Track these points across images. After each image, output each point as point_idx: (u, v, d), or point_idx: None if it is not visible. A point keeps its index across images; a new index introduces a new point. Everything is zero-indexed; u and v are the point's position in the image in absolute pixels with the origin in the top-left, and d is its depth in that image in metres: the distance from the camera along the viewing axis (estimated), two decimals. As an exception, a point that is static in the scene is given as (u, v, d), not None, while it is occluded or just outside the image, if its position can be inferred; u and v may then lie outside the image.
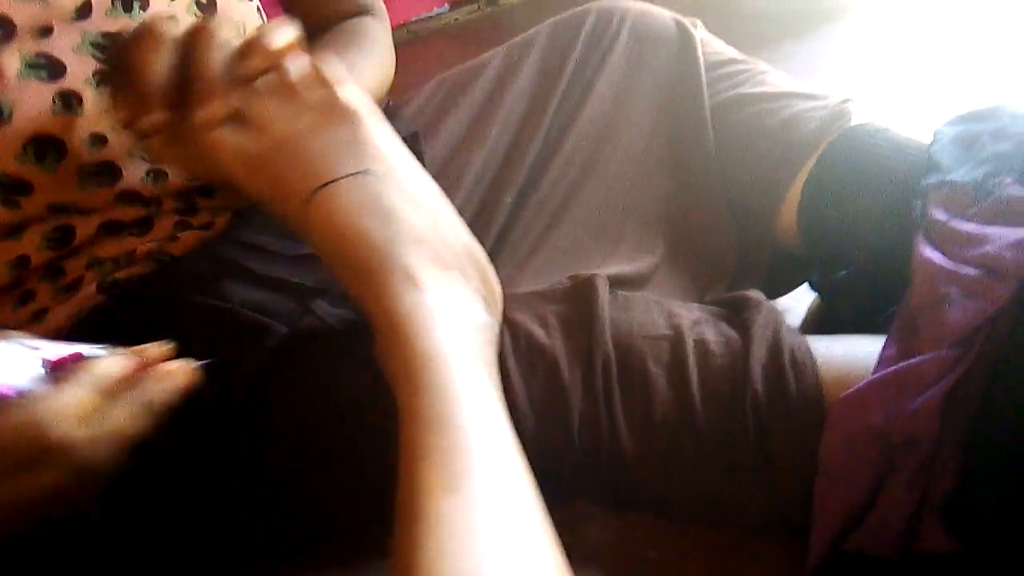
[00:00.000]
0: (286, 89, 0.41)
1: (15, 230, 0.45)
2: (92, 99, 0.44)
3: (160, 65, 0.38)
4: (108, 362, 0.38)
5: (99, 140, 0.45)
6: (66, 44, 0.43)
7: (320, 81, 0.42)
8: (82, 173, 0.45)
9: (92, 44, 0.44)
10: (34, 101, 0.41)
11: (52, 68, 0.42)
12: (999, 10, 1.41)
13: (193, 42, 0.39)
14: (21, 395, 0.34)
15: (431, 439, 0.35)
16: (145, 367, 0.39)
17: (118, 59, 0.40)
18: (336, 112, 0.42)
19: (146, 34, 0.39)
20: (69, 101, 0.43)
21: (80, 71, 0.43)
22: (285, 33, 0.41)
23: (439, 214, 0.44)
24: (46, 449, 0.34)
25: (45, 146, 0.42)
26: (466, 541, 0.31)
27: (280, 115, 0.41)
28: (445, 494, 0.33)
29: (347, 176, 0.40)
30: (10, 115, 0.41)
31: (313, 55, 0.43)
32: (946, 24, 1.42)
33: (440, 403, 0.36)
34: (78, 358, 0.37)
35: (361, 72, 0.61)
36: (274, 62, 0.40)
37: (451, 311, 0.40)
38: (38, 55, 0.42)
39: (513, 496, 0.35)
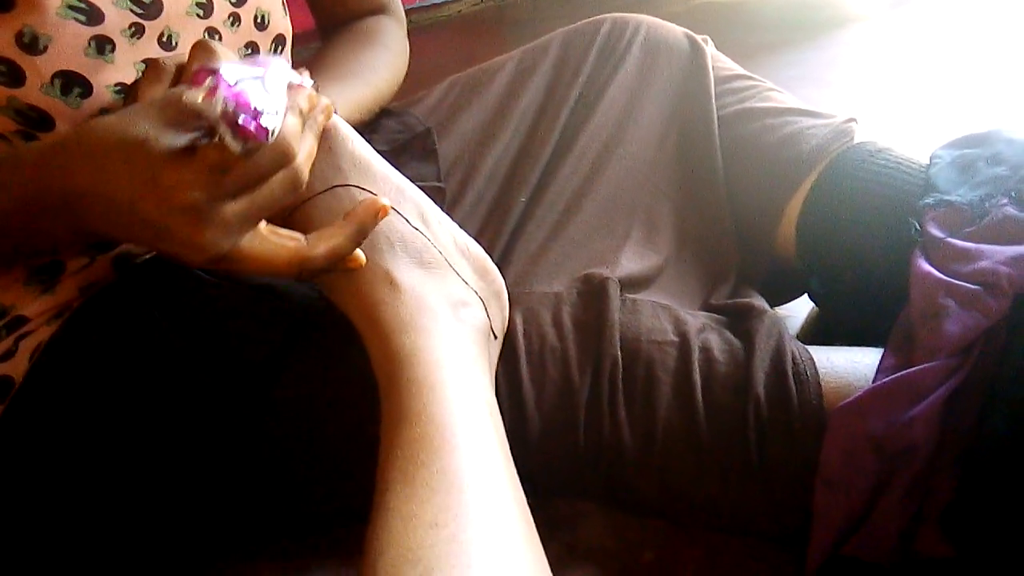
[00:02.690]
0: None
1: None
2: (124, 49, 0.45)
3: (158, 92, 0.40)
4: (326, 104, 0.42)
5: (124, 91, 0.46)
6: None
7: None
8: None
9: (131, 0, 0.45)
10: (70, 40, 0.42)
11: (91, 14, 0.43)
12: (1003, 19, 1.45)
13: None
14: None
15: (402, 433, 0.36)
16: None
17: (128, 94, 0.43)
18: None
19: (151, 66, 0.42)
20: (103, 47, 0.44)
21: (118, 22, 0.45)
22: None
23: (425, 215, 0.45)
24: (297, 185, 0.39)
25: (72, 82, 0.43)
26: (416, 532, 0.32)
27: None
28: (405, 486, 0.34)
29: (322, 192, 0.42)
30: (45, 48, 0.42)
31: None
32: (949, 34, 1.45)
33: (414, 400, 0.37)
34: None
35: (375, 71, 0.63)
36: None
37: (433, 310, 0.41)
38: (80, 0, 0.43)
39: (483, 487, 0.35)
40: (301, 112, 0.39)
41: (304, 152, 0.39)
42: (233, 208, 0.36)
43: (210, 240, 0.36)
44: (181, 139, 0.35)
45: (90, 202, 0.36)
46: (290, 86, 0.40)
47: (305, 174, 0.39)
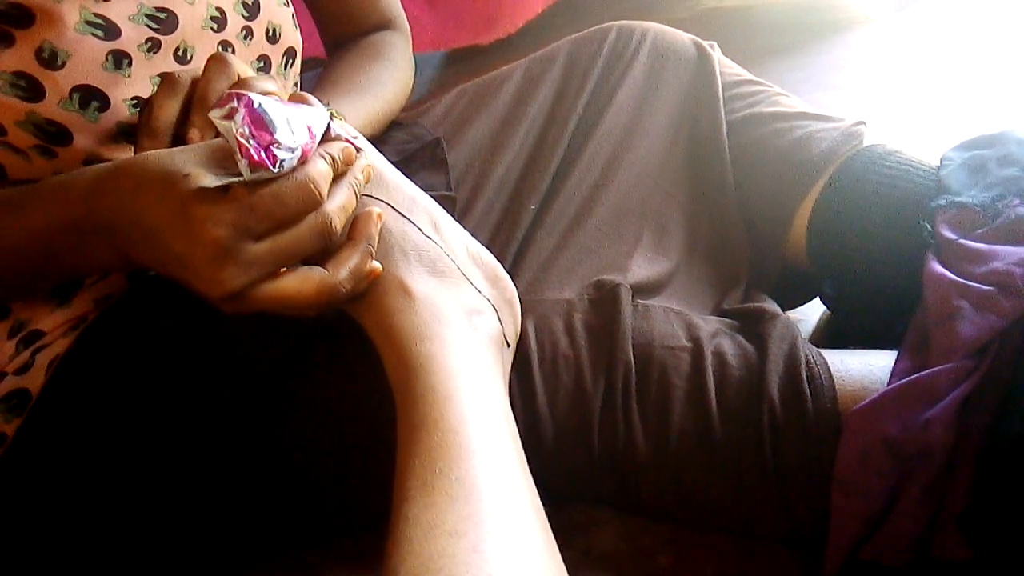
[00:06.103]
0: None
1: None
2: (141, 63, 0.46)
3: (173, 107, 0.42)
4: (366, 166, 0.42)
5: (140, 104, 0.46)
6: (123, 11, 0.45)
7: None
8: (121, 130, 0.46)
9: (147, 16, 0.46)
10: (88, 55, 0.43)
11: (108, 30, 0.44)
12: (1010, 21, 1.44)
13: (199, 82, 0.43)
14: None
15: (419, 441, 0.36)
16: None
17: (144, 107, 0.44)
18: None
19: (166, 79, 0.43)
20: (120, 61, 0.45)
21: (134, 37, 0.46)
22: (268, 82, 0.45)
23: (438, 224, 0.45)
24: (326, 233, 0.39)
25: (90, 96, 0.44)
26: (437, 541, 0.32)
27: None
28: (424, 496, 0.34)
29: None
30: (64, 63, 0.43)
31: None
32: (956, 36, 1.44)
33: (431, 408, 0.37)
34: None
35: (383, 85, 0.63)
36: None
37: (447, 319, 0.42)
38: (96, 15, 0.44)
39: (501, 495, 0.35)
40: (335, 162, 0.39)
41: (337, 202, 0.39)
42: (257, 248, 0.37)
43: (228, 277, 0.36)
44: (218, 180, 0.36)
45: (127, 229, 0.38)
46: (328, 137, 0.40)
47: (337, 225, 0.39)
